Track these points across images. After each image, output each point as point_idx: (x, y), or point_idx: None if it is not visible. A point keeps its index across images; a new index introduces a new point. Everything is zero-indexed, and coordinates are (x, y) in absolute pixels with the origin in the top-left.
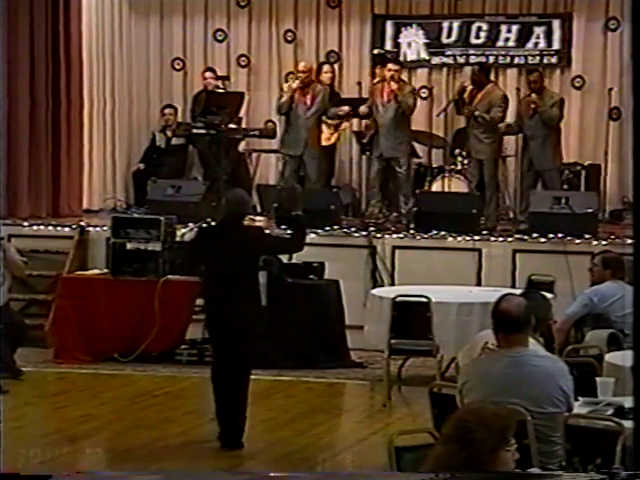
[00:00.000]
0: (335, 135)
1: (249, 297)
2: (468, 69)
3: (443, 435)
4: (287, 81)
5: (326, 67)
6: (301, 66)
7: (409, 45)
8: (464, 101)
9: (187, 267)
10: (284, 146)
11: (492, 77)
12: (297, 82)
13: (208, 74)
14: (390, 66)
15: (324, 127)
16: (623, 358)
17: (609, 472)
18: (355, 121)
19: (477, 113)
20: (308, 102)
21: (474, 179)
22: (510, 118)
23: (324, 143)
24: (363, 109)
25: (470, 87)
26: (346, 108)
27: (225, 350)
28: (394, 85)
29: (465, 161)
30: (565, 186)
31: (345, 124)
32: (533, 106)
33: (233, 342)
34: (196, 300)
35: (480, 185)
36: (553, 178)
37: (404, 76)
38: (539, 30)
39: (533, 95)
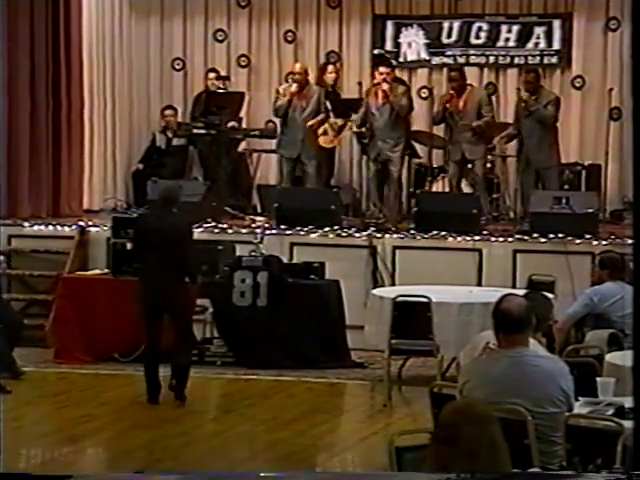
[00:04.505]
0: (337, 139)
1: (177, 278)
2: (469, 69)
3: (432, 437)
4: (287, 81)
5: (330, 67)
6: (297, 67)
7: (409, 45)
8: (450, 112)
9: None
10: (281, 148)
11: (492, 77)
12: (295, 86)
13: (211, 75)
14: (382, 69)
15: (328, 129)
16: (623, 358)
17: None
18: None
19: (475, 124)
20: (304, 103)
21: (456, 181)
22: (510, 119)
23: (327, 145)
24: (355, 120)
25: (451, 93)
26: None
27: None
28: (386, 86)
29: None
30: (565, 186)
31: (348, 124)
32: (523, 105)
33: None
34: (196, 300)
35: (458, 185)
36: (551, 176)
37: (405, 76)
38: (539, 30)
39: (525, 94)
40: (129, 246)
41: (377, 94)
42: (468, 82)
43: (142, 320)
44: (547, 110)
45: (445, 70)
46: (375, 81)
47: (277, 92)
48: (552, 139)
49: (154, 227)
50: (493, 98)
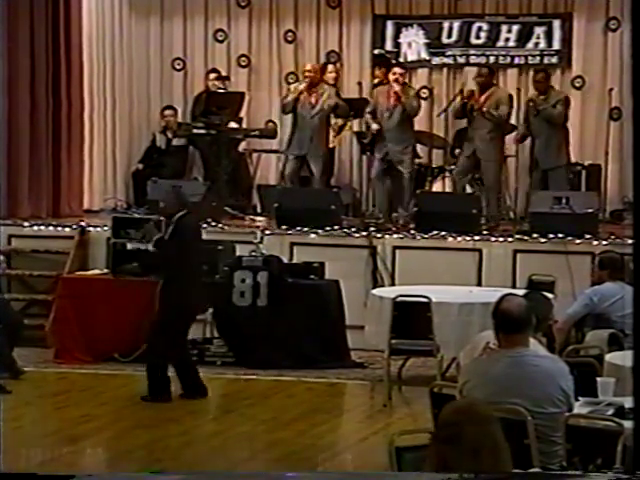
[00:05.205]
0: (337, 139)
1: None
2: (469, 69)
3: (433, 436)
4: (288, 81)
5: (330, 67)
6: (308, 66)
7: (409, 45)
8: (472, 104)
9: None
10: (290, 146)
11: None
12: (304, 84)
13: (212, 75)
14: (396, 70)
15: (329, 129)
16: (623, 358)
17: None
18: (355, 121)
19: (486, 109)
20: (313, 102)
21: (462, 178)
22: (512, 119)
23: (329, 145)
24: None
25: (474, 88)
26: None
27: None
28: (397, 87)
29: (458, 159)
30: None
31: (347, 124)
32: (532, 105)
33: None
34: None
35: (463, 185)
36: (559, 176)
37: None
38: (539, 30)
39: (534, 94)
40: (130, 246)
41: (389, 94)
42: (495, 82)
43: (175, 325)
44: (556, 109)
45: (445, 70)
46: (377, 80)
47: (288, 90)
48: (561, 139)
49: (192, 232)
50: None
